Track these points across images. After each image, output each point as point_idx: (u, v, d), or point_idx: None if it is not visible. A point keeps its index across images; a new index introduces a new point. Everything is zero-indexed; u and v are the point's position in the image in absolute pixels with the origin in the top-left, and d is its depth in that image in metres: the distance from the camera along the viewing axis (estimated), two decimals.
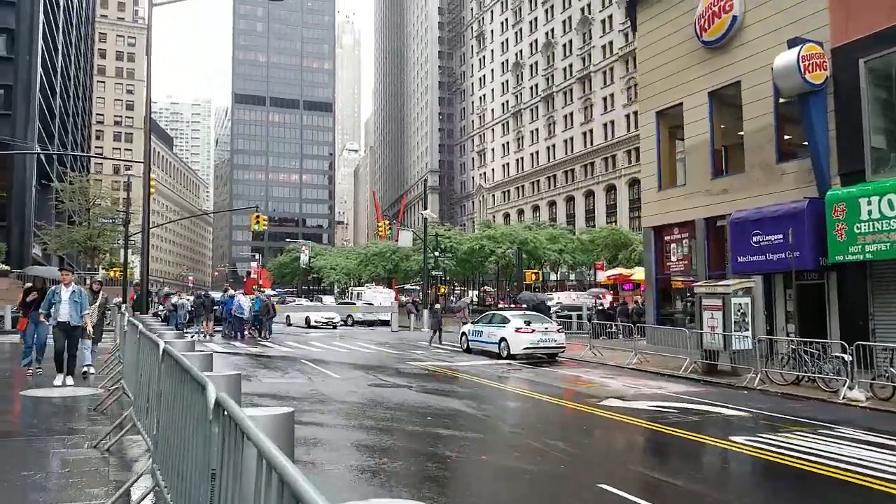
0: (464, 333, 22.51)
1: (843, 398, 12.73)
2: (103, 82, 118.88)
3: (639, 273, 31.38)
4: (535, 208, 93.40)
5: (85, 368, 12.19)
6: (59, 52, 55.58)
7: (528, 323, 19.53)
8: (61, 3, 55.90)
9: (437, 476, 6.89)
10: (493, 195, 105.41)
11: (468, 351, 21.90)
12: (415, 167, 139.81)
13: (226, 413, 2.35)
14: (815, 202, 16.62)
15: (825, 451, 8.38)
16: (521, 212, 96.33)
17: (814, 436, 9.46)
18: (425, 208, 43.36)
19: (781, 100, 18.48)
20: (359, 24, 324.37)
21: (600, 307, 26.39)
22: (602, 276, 32.45)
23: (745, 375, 15.40)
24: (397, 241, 71.87)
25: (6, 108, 41.84)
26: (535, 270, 44.86)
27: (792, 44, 16.57)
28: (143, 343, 5.62)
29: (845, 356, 13.48)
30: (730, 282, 16.44)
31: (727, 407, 11.83)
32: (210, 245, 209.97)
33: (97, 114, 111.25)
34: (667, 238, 22.33)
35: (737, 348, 15.89)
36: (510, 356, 19.40)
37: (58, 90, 54.82)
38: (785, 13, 18.05)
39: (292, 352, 20.78)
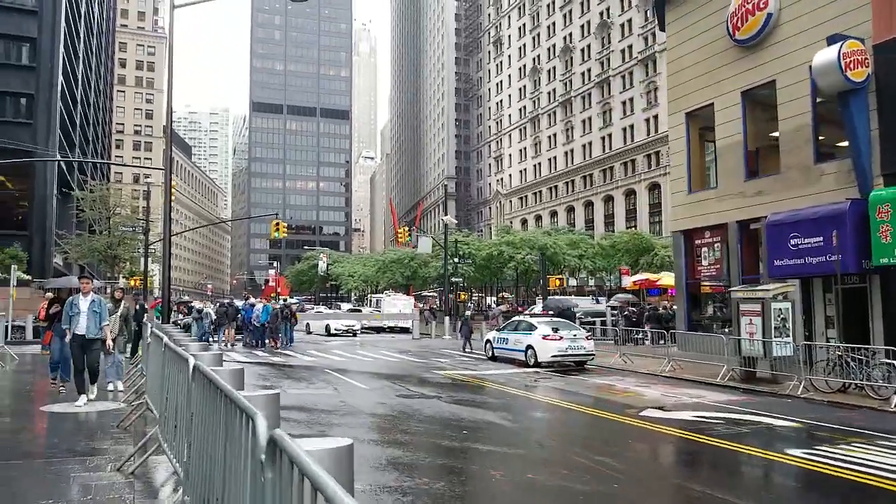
0: (488, 341, 22.00)
1: None
2: (123, 92, 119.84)
3: (666, 278, 30.69)
4: (553, 214, 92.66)
5: (110, 386, 11.51)
6: (81, 61, 55.86)
7: (555, 330, 18.98)
8: (82, 12, 56.22)
9: (484, 499, 6.41)
10: (511, 201, 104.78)
11: (493, 359, 21.39)
12: (431, 174, 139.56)
13: (282, 453, 1.89)
14: (857, 203, 15.97)
15: (888, 464, 7.82)
16: (538, 217, 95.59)
17: (873, 447, 8.88)
18: (445, 214, 42.85)
19: (819, 99, 17.86)
20: (375, 32, 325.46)
21: (626, 313, 25.74)
22: (627, 281, 31.74)
23: (786, 383, 14.77)
24: (414, 247, 71.81)
25: (28, 118, 41.93)
26: (560, 276, 44.08)
27: (832, 40, 15.96)
28: (169, 357, 5.19)
29: (895, 362, 12.88)
30: (769, 286, 15.81)
31: (775, 417, 11.23)
32: (228, 253, 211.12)
33: (117, 123, 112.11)
34: (697, 242, 21.70)
35: (777, 355, 15.26)
36: (537, 364, 18.85)
37: (79, 99, 55.09)
38: (823, 9, 17.44)
39: (315, 361, 20.37)
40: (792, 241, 17.50)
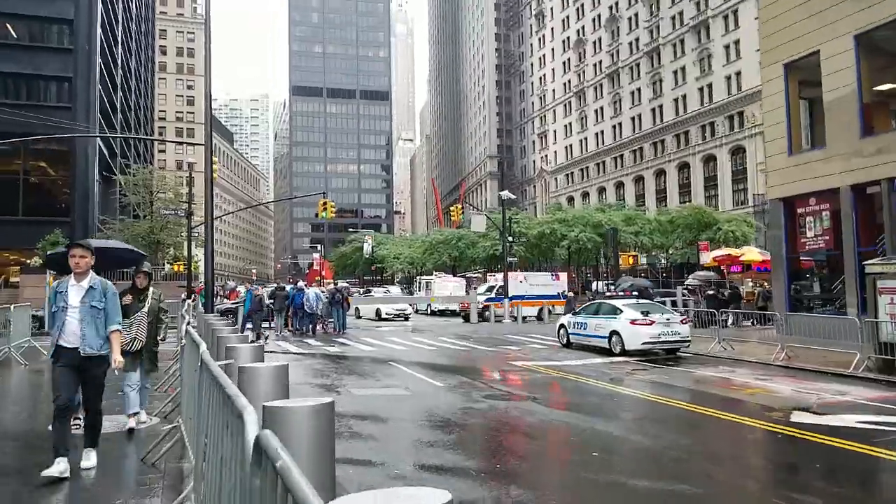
0: (562, 326, 19.78)
1: None
2: (164, 79, 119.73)
3: (749, 253, 28.00)
4: (602, 190, 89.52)
5: (130, 421, 7.51)
6: (119, 44, 54.79)
7: (645, 313, 16.65)
8: None
9: None
10: (556, 178, 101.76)
11: (568, 345, 19.22)
12: (472, 153, 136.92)
13: None
14: None
15: None
16: (585, 194, 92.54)
17: None
18: (502, 189, 40.64)
19: None
20: (411, 12, 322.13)
21: (712, 292, 23.25)
22: (706, 257, 29.09)
23: None
24: (459, 227, 69.77)
25: (67, 101, 40.86)
26: (633, 254, 41.51)
27: None
28: (209, 387, 3.18)
29: None
30: None
31: None
32: (272, 238, 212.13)
33: (159, 110, 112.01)
34: (801, 210, 19.05)
35: None
36: (624, 352, 16.61)
37: (118, 84, 54.08)
38: None
39: (374, 351, 18.45)
40: None
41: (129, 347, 7.15)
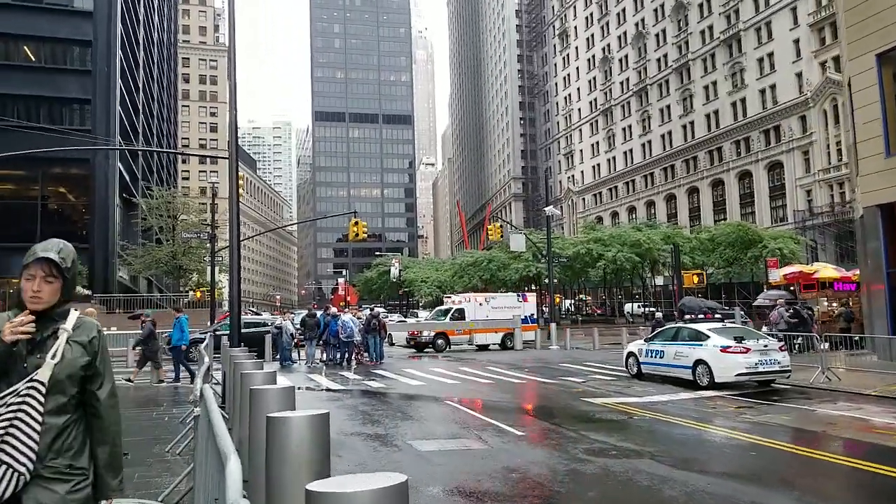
0: (632, 354, 17.46)
1: None
2: (187, 106, 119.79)
3: (824, 270, 25.56)
4: (631, 209, 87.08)
5: None
6: (141, 68, 53.91)
7: (738, 339, 14.32)
8: (141, 18, 54.33)
9: None
10: (584, 198, 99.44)
11: (639, 376, 16.91)
12: (496, 175, 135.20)
13: None
14: None
15: None
16: (615, 214, 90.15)
17: None
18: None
19: None
20: (431, 38, 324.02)
21: (792, 315, 20.78)
22: (776, 274, 26.63)
23: None
24: (484, 248, 67.86)
25: (87, 123, 39.65)
26: (698, 271, 38.97)
27: None
28: None
29: None
30: None
31: None
32: (295, 264, 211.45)
33: (182, 138, 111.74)
34: None
35: None
36: (712, 385, 14.28)
37: (140, 108, 53.08)
38: None
39: (421, 386, 16.19)
40: None
41: None
